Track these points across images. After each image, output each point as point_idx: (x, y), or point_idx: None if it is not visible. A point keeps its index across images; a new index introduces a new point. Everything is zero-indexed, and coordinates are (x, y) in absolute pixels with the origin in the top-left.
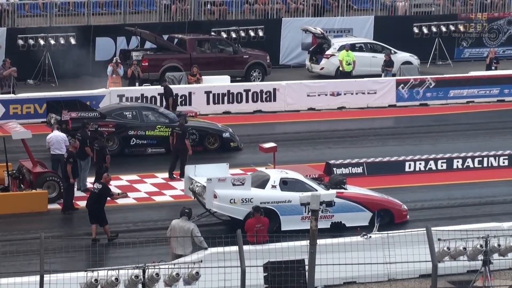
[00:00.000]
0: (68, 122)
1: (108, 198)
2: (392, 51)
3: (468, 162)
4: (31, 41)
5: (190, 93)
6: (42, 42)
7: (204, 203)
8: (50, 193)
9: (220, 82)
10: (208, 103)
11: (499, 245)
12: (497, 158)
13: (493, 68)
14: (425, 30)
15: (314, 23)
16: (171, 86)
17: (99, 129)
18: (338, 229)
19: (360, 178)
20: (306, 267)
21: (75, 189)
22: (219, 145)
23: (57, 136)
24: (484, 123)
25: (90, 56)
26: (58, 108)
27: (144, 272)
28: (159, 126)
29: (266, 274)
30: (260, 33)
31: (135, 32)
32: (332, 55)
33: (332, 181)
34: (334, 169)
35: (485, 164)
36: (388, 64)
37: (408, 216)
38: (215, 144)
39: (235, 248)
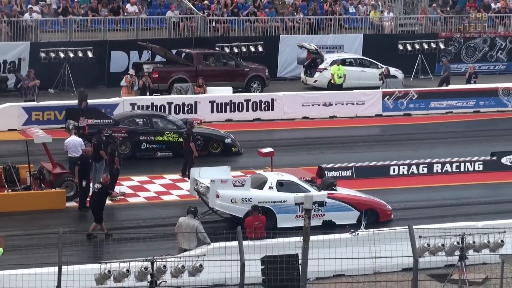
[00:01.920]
0: (85, 128)
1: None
2: (379, 66)
3: (446, 167)
4: (52, 54)
5: (196, 102)
6: (62, 55)
7: (207, 202)
8: (68, 192)
9: (223, 92)
10: (212, 111)
11: (474, 242)
12: (473, 163)
13: (472, 82)
14: (409, 47)
15: (309, 40)
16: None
17: (112, 134)
18: (328, 227)
19: (349, 180)
20: (300, 261)
21: (91, 188)
22: (222, 150)
23: (74, 140)
24: (461, 132)
25: (105, 68)
26: (76, 115)
27: (152, 264)
28: (167, 132)
29: (263, 267)
30: (260, 49)
31: (147, 47)
32: (325, 69)
33: (324, 183)
34: (326, 172)
35: (462, 169)
36: (387, 76)
37: (392, 216)
38: (218, 148)
39: (235, 243)
